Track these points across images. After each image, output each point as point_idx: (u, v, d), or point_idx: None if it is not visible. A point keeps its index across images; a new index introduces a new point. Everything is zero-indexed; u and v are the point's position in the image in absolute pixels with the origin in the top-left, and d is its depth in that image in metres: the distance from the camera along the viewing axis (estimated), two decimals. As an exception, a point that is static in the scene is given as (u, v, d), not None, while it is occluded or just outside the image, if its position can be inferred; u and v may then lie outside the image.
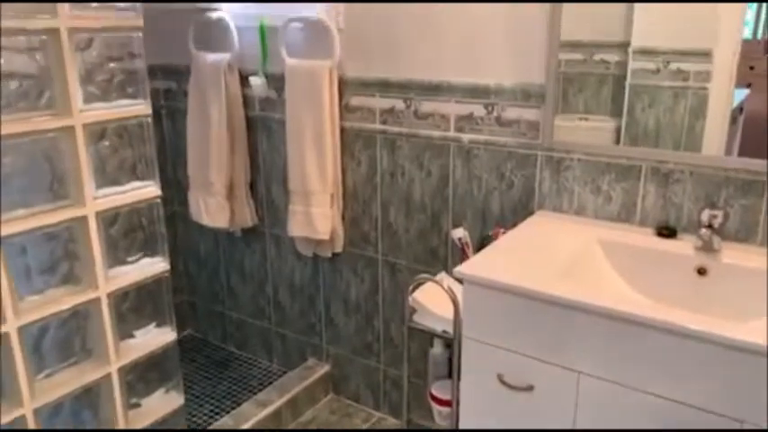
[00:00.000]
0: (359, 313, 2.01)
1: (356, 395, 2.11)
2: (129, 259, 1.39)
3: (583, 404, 1.17)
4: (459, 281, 1.27)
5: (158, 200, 1.41)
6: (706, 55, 1.35)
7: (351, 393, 2.12)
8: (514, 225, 1.51)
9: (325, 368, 2.13)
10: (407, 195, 1.79)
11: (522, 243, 1.39)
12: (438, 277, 1.48)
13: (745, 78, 1.31)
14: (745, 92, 1.33)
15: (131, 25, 1.30)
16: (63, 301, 1.25)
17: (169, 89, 2.25)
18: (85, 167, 1.25)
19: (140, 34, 1.32)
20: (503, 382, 1.24)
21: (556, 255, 1.32)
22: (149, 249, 1.43)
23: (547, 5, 1.44)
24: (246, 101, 2.02)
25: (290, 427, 2.01)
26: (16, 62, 1.16)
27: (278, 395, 2.00)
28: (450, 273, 1.62)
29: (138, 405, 1.46)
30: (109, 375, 1.35)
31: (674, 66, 1.37)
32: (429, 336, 1.54)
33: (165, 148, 2.31)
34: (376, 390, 2.06)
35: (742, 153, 1.32)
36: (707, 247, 1.29)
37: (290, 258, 2.12)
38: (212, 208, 2.06)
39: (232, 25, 1.95)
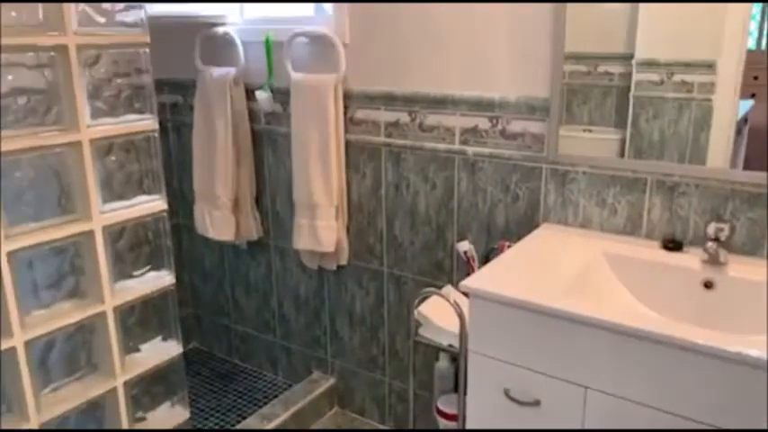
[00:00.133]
0: (364, 326, 2.01)
1: (361, 408, 2.10)
2: (135, 273, 1.39)
3: (590, 419, 1.16)
4: (465, 294, 1.26)
5: (164, 214, 1.41)
6: (710, 66, 1.35)
7: (356, 407, 2.11)
8: (519, 238, 1.51)
9: (330, 381, 2.13)
10: (412, 208, 1.79)
11: (528, 256, 1.39)
12: (444, 291, 1.48)
13: (749, 89, 1.31)
14: (749, 103, 1.33)
15: (139, 41, 1.31)
16: (69, 315, 1.25)
17: (175, 103, 2.27)
18: (92, 182, 1.25)
19: (147, 50, 1.33)
20: (509, 397, 1.24)
21: (562, 268, 1.32)
22: (155, 263, 1.43)
23: (550, 18, 1.45)
24: (252, 115, 2.03)
25: (296, 440, 2.00)
26: (25, 78, 1.17)
27: (283, 408, 1.99)
28: (455, 285, 1.62)
29: (143, 419, 1.46)
30: (114, 389, 1.35)
31: (677, 77, 1.37)
32: (435, 349, 1.54)
33: (171, 161, 2.32)
34: (381, 403, 2.05)
35: (747, 164, 1.32)
36: (713, 261, 1.28)
37: (295, 271, 2.12)
38: (218, 221, 2.07)
39: (238, 40, 1.97)
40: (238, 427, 1.93)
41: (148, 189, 1.39)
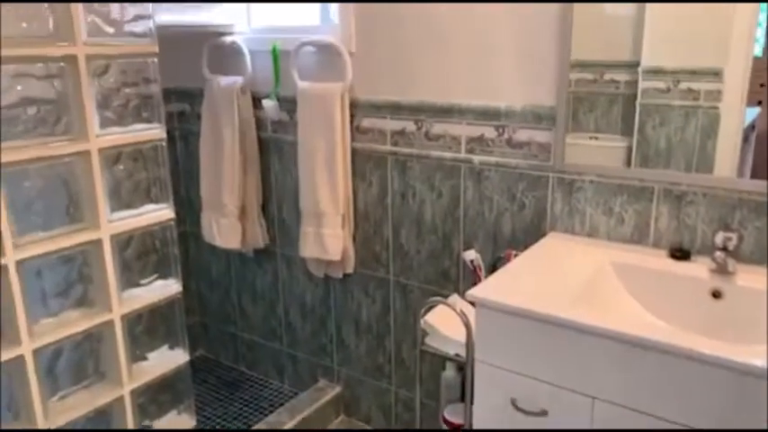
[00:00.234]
0: (370, 334, 2.00)
1: (368, 417, 2.10)
2: (143, 282, 1.40)
3: (597, 430, 1.15)
4: (472, 303, 1.26)
5: (172, 222, 1.42)
6: (716, 74, 1.35)
7: (362, 415, 2.11)
8: (526, 247, 1.51)
9: (336, 389, 2.12)
10: (418, 216, 1.79)
11: (535, 266, 1.39)
12: (450, 300, 1.48)
13: (755, 96, 1.31)
14: (756, 110, 1.33)
15: (147, 51, 1.33)
16: (77, 323, 1.26)
17: (182, 112, 2.28)
18: (101, 191, 1.26)
19: (156, 60, 1.34)
20: (516, 407, 1.23)
21: (569, 277, 1.31)
22: (162, 271, 1.44)
23: (556, 27, 1.45)
24: (259, 123, 2.04)
25: (302, 449, 2.00)
26: (35, 88, 1.18)
27: (289, 417, 1.99)
28: (461, 294, 1.61)
29: (150, 427, 1.46)
30: (121, 398, 1.35)
31: (684, 85, 1.37)
32: (441, 358, 1.53)
33: (178, 169, 2.33)
34: (387, 412, 2.04)
35: (755, 172, 1.32)
36: (721, 270, 1.27)
37: (301, 279, 2.13)
38: (225, 229, 2.07)
39: (245, 49, 1.98)
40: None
41: (156, 198, 1.40)
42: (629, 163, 1.45)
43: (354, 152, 1.85)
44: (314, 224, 1.88)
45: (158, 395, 1.45)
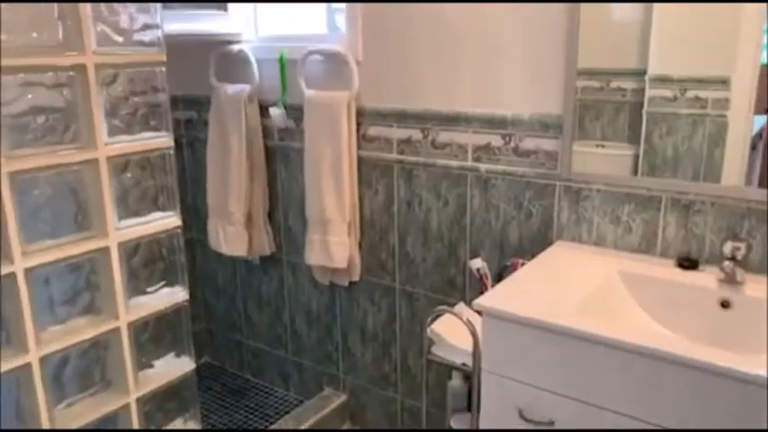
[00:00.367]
0: (376, 342, 2.00)
1: (373, 426, 2.09)
2: (150, 289, 1.40)
3: (605, 440, 1.15)
4: (479, 312, 1.26)
5: (179, 230, 1.42)
6: (724, 82, 1.34)
7: (368, 424, 2.10)
8: (533, 255, 1.51)
9: (342, 398, 2.12)
10: (425, 224, 1.79)
11: (542, 275, 1.38)
12: (457, 309, 1.47)
13: (763, 104, 1.30)
14: (764, 118, 1.32)
15: (155, 60, 1.33)
16: (84, 331, 1.26)
17: (190, 119, 2.29)
18: (108, 199, 1.26)
19: (164, 69, 1.35)
20: (523, 417, 1.22)
21: (576, 287, 1.31)
22: (169, 279, 1.44)
23: (563, 35, 1.45)
24: (266, 131, 2.05)
25: (307, 457, 1.99)
26: (44, 97, 1.18)
27: (294, 425, 1.99)
28: (468, 303, 1.61)
29: (155, 436, 1.46)
30: (128, 406, 1.35)
31: (691, 93, 1.37)
32: (447, 367, 1.53)
33: (185, 176, 2.34)
34: (393, 420, 2.04)
35: (763, 181, 1.31)
36: (730, 280, 1.27)
37: (307, 286, 2.13)
38: (231, 236, 2.08)
39: (252, 57, 1.99)
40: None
41: (163, 206, 1.40)
42: (636, 171, 1.44)
43: (361, 160, 1.86)
44: (320, 232, 1.88)
45: (164, 403, 1.45)
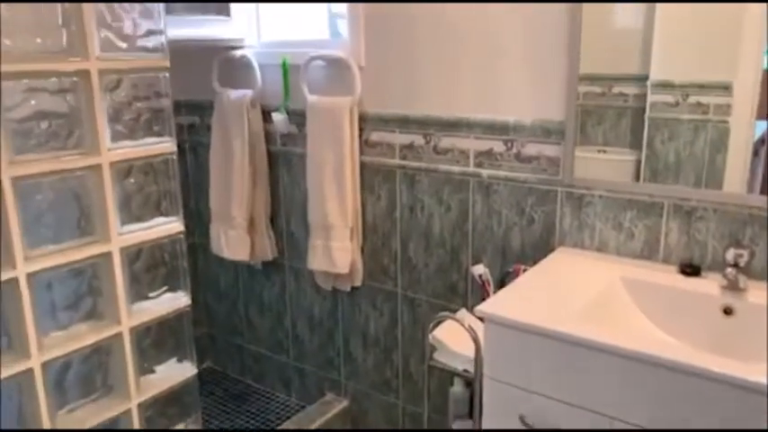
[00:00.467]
0: (378, 348, 2.00)
1: (375, 431, 2.09)
2: (152, 294, 1.40)
3: (608, 447, 1.14)
4: (481, 318, 1.26)
5: (181, 235, 1.42)
6: (726, 88, 1.34)
7: (370, 429, 2.10)
8: (535, 261, 1.51)
9: (343, 403, 2.11)
10: (427, 230, 1.79)
11: (544, 281, 1.38)
12: (458, 315, 1.47)
13: (765, 109, 1.30)
14: (766, 124, 1.32)
15: (159, 66, 1.34)
16: (86, 336, 1.26)
17: (192, 124, 2.30)
18: (111, 204, 1.27)
19: (167, 74, 1.35)
20: (525, 424, 1.22)
21: (578, 293, 1.31)
22: (172, 284, 1.44)
23: (565, 40, 1.45)
24: (268, 136, 2.05)
25: (308, 463, 1.99)
26: (48, 103, 1.19)
27: (296, 430, 1.98)
28: (469, 308, 1.61)
29: (157, 441, 1.46)
30: (129, 411, 1.35)
31: (693, 99, 1.37)
32: (449, 373, 1.52)
33: (188, 181, 2.35)
34: (395, 426, 2.03)
35: (765, 188, 1.31)
36: (733, 287, 1.26)
37: (309, 291, 2.12)
38: (233, 241, 2.08)
39: (255, 63, 1.99)
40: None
41: (166, 211, 1.41)
42: (637, 177, 1.44)
43: (363, 165, 1.86)
44: (322, 237, 1.88)
45: (166, 408, 1.45)
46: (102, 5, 1.23)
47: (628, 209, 1.46)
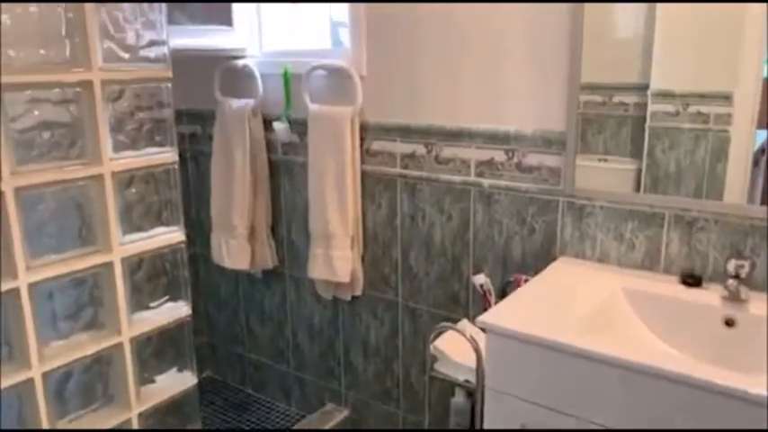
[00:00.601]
0: (378, 357, 1.99)
1: (375, 441, 2.08)
2: (153, 304, 1.40)
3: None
4: (482, 329, 1.25)
5: (182, 245, 1.43)
6: (726, 98, 1.35)
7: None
8: (536, 271, 1.51)
9: (344, 413, 2.11)
10: (428, 239, 1.79)
11: (546, 291, 1.38)
12: (460, 325, 1.47)
13: (765, 118, 1.30)
14: (766, 133, 1.32)
15: (161, 76, 1.34)
16: (87, 346, 1.26)
17: (194, 133, 2.30)
18: (113, 214, 1.27)
19: (169, 85, 1.36)
20: (526, 435, 1.22)
21: (580, 304, 1.30)
22: (172, 294, 1.44)
23: (566, 51, 1.46)
24: (270, 145, 2.06)
25: (308, 473, 1.98)
26: (51, 113, 1.19)
27: (296, 440, 1.98)
28: (471, 318, 1.61)
29: (157, 451, 1.45)
30: (129, 421, 1.35)
31: (693, 108, 1.37)
32: (450, 383, 1.52)
33: (189, 190, 2.35)
34: (395, 436, 2.03)
35: (765, 198, 1.31)
36: (734, 298, 1.26)
37: (309, 300, 2.12)
38: (234, 250, 2.08)
39: (257, 72, 2.00)
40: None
41: (167, 221, 1.41)
42: (638, 185, 1.44)
43: (364, 174, 1.86)
44: (323, 246, 1.88)
45: (166, 418, 1.45)
46: (105, 16, 1.24)
47: (629, 219, 1.46)
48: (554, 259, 1.56)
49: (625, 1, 1.41)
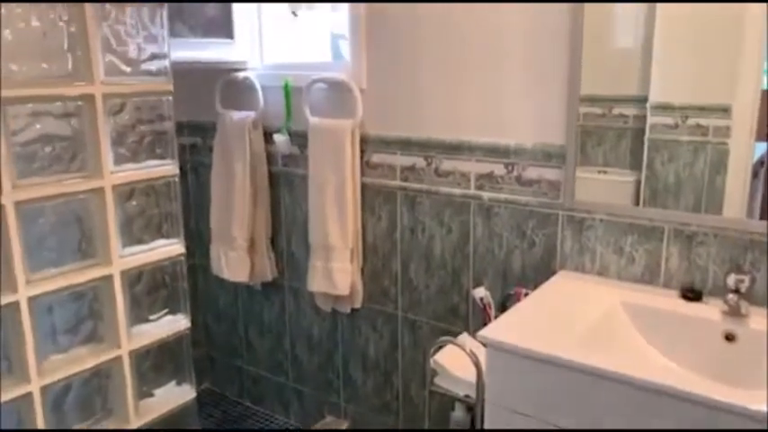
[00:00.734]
0: (378, 370, 1.99)
1: (374, 454, 2.07)
2: (152, 317, 1.40)
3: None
4: (483, 343, 1.25)
5: (182, 257, 1.43)
6: (725, 111, 1.35)
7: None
8: (536, 284, 1.50)
9: (343, 426, 2.10)
10: (427, 252, 1.79)
11: (546, 306, 1.38)
12: (460, 339, 1.47)
13: (764, 129, 1.30)
14: (765, 145, 1.32)
15: (162, 90, 1.35)
16: (86, 360, 1.26)
17: (194, 144, 2.31)
18: (113, 227, 1.27)
19: (170, 98, 1.37)
20: (527, 450, 1.21)
21: (580, 318, 1.30)
22: (172, 307, 1.44)
23: (566, 64, 1.46)
24: (270, 157, 2.06)
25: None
26: (52, 126, 1.20)
27: (295, 454, 1.97)
28: (471, 331, 1.60)
29: (154, 465, 1.44)
30: (127, 435, 1.34)
31: (692, 121, 1.37)
32: (450, 397, 1.51)
33: (189, 201, 2.35)
34: (395, 449, 2.02)
35: (764, 212, 1.31)
36: (734, 312, 1.26)
37: (308, 312, 2.12)
38: (233, 262, 2.08)
39: (257, 85, 2.01)
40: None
41: (167, 233, 1.41)
42: (637, 197, 1.44)
43: (364, 187, 1.86)
44: (323, 258, 1.88)
45: (164, 432, 1.44)
46: (107, 30, 1.24)
47: (628, 233, 1.46)
48: (554, 272, 1.56)
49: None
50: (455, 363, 1.43)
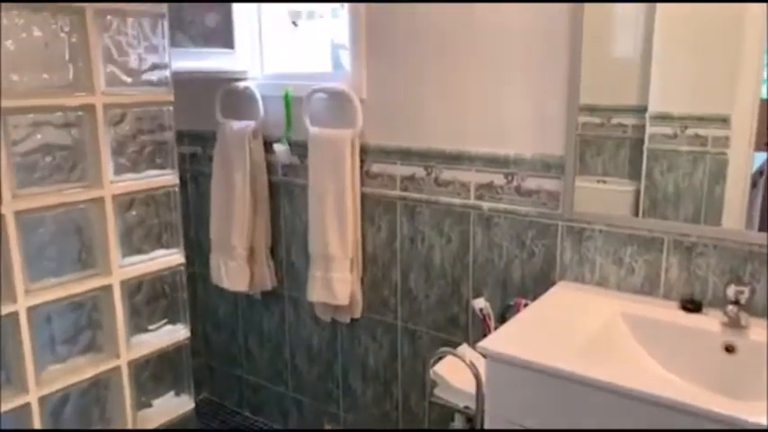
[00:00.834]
0: (377, 380, 1.98)
1: (373, 465, 2.06)
2: (151, 327, 1.40)
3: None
4: (482, 354, 1.25)
5: (182, 267, 1.43)
6: (724, 121, 1.35)
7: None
8: (536, 295, 1.50)
9: (342, 436, 2.09)
10: (427, 261, 1.79)
11: (545, 316, 1.38)
12: (459, 350, 1.46)
13: (763, 139, 1.30)
14: (764, 155, 1.32)
15: (163, 100, 1.36)
16: (85, 370, 1.26)
17: (194, 154, 2.31)
18: (113, 237, 1.27)
19: (171, 108, 1.37)
20: (526, 462, 1.21)
21: (580, 330, 1.30)
22: (171, 317, 1.44)
23: (566, 75, 1.47)
24: (270, 166, 2.06)
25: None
26: (53, 136, 1.20)
27: (294, 464, 1.96)
28: (470, 341, 1.60)
29: (152, 476, 1.44)
30: (126, 446, 1.34)
31: (691, 131, 1.38)
32: (450, 408, 1.51)
33: (189, 210, 2.35)
34: (394, 460, 2.01)
35: (764, 224, 1.31)
36: (734, 324, 1.26)
37: (308, 322, 2.11)
38: (233, 271, 2.08)
39: (258, 94, 2.02)
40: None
41: (167, 243, 1.41)
42: (637, 207, 1.44)
43: (364, 197, 1.86)
44: (322, 268, 1.88)
45: (163, 443, 1.44)
46: (108, 40, 1.25)
47: (628, 244, 1.46)
48: (553, 283, 1.55)
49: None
50: (455, 374, 1.43)
